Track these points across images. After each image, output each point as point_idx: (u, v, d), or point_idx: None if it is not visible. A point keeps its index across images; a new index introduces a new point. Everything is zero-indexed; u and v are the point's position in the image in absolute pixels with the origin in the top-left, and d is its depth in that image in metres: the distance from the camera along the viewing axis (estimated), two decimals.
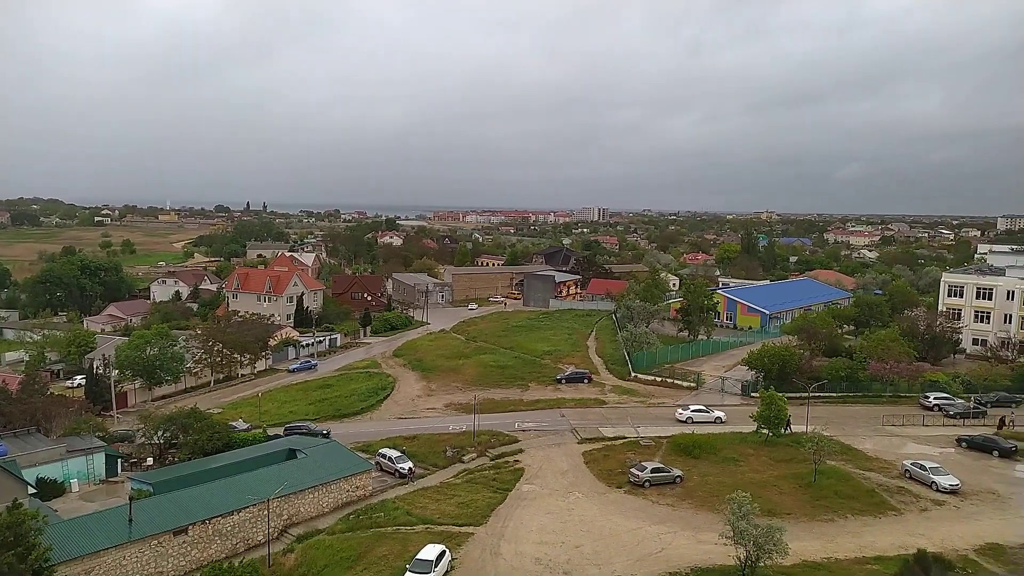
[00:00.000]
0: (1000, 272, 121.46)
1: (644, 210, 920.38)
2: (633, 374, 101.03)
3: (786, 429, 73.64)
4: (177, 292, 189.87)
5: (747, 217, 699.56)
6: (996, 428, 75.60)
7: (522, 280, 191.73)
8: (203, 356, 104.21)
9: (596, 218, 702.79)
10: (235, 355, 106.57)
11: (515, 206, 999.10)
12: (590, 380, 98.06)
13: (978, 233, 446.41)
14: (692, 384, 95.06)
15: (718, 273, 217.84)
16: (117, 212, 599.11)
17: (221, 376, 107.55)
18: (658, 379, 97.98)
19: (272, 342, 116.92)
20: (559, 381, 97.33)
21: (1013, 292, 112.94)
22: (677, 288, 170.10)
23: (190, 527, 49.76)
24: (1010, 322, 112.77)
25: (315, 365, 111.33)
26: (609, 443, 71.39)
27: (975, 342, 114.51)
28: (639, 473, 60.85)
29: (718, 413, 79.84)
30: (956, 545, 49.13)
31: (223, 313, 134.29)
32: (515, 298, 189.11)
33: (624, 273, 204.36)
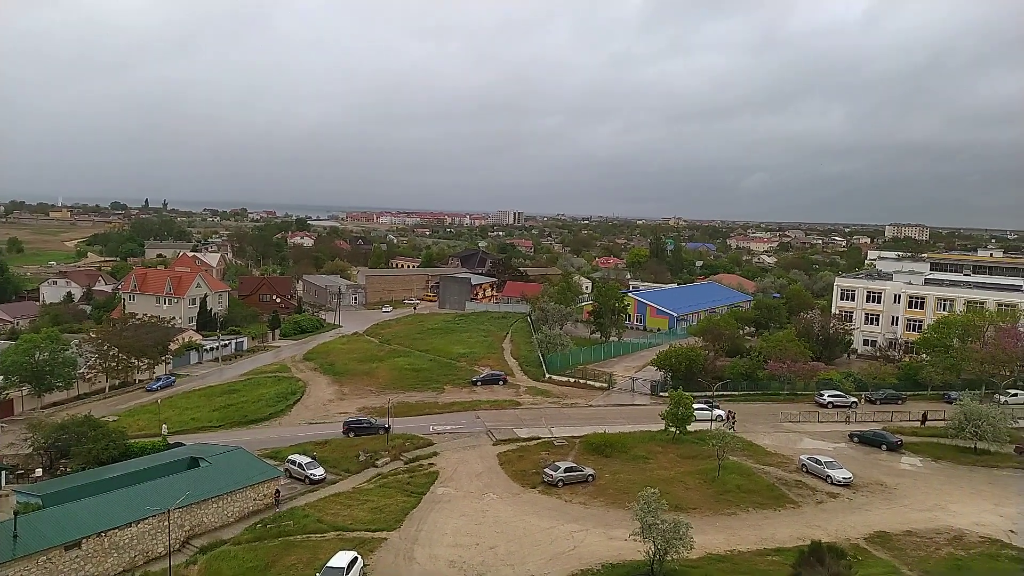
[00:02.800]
0: (888, 277, 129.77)
1: (558, 214, 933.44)
2: (547, 375, 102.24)
3: (731, 426, 76.81)
4: (69, 293, 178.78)
5: (656, 223, 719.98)
6: (920, 422, 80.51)
7: (438, 282, 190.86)
8: (97, 361, 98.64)
9: (511, 221, 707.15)
10: (132, 360, 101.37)
11: (431, 208, 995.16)
12: (505, 382, 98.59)
13: (868, 240, 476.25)
14: (604, 384, 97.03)
15: (628, 276, 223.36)
16: (3, 208, 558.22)
17: (117, 382, 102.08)
18: (571, 380, 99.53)
19: (173, 346, 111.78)
20: (475, 383, 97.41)
21: (899, 296, 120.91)
22: (590, 291, 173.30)
23: (83, 541, 46.89)
24: (897, 324, 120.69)
25: (174, 381, 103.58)
26: (524, 444, 71.97)
27: (865, 343, 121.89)
28: (552, 473, 61.62)
29: (719, 411, 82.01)
30: (849, 535, 52.14)
31: (119, 316, 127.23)
32: (430, 300, 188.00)
33: (539, 276, 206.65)
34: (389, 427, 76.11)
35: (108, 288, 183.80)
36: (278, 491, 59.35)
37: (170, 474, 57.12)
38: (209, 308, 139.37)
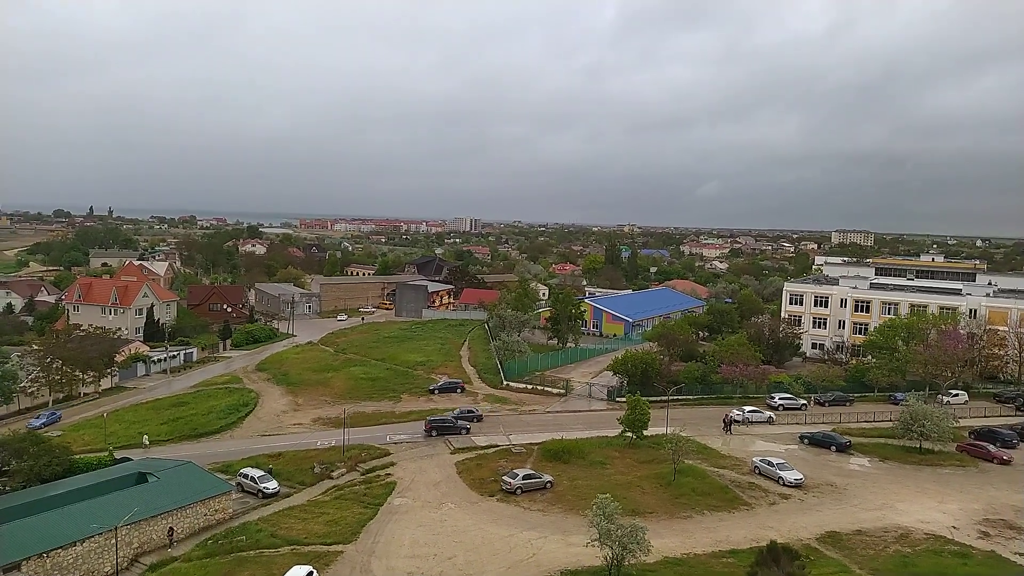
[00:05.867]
0: (834, 282, 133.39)
1: (515, 221, 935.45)
2: (505, 382, 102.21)
3: (727, 430, 78.93)
4: (9, 304, 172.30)
5: (611, 229, 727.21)
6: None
7: (394, 290, 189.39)
8: (40, 374, 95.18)
9: (468, 228, 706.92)
10: (77, 373, 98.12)
11: (387, 215, 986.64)
12: (463, 390, 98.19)
13: (815, 246, 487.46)
14: (561, 391, 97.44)
15: (585, 283, 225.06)
16: None
17: (61, 396, 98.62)
18: (529, 387, 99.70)
19: (119, 358, 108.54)
20: (432, 392, 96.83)
21: (845, 300, 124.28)
22: (547, 297, 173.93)
23: (23, 563, 45.01)
24: (843, 328, 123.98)
25: (59, 416, 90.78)
26: (482, 452, 71.78)
27: (814, 346, 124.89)
28: (511, 480, 61.58)
29: (769, 414, 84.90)
30: (801, 535, 53.29)
31: (63, 327, 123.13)
32: (387, 308, 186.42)
33: (496, 283, 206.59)
34: (469, 428, 78.50)
35: (51, 298, 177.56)
36: (171, 529, 53.49)
37: (117, 490, 55.38)
38: (157, 318, 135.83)
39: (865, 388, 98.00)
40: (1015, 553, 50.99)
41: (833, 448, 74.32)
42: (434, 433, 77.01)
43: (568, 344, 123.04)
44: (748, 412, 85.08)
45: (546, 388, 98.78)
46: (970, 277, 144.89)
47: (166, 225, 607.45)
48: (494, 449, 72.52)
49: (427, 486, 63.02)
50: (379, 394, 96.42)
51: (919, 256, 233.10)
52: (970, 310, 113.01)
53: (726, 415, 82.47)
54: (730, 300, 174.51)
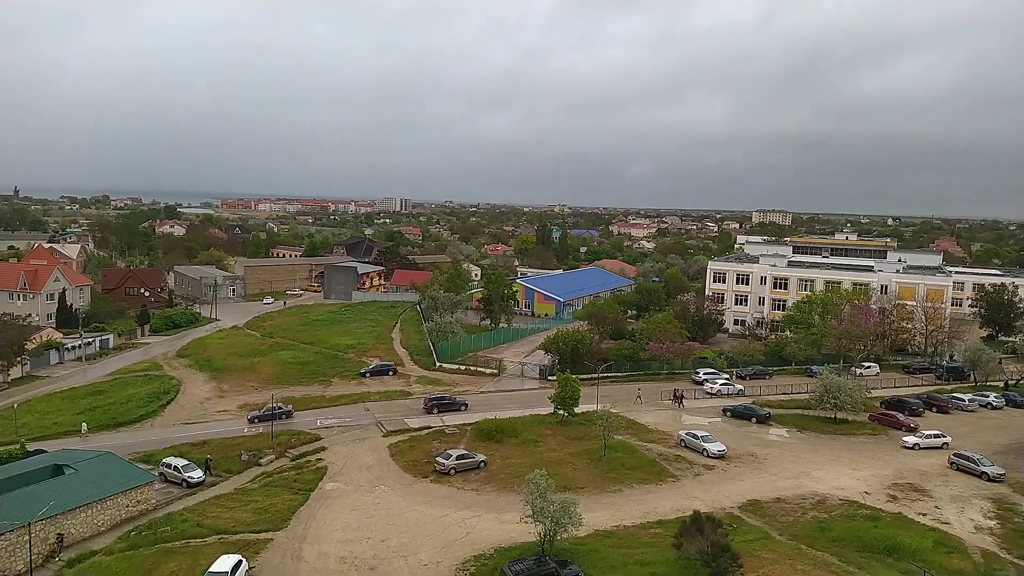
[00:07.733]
0: (755, 260, 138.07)
1: (446, 201, 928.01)
2: (438, 364, 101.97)
3: (678, 404, 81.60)
4: None
5: (542, 210, 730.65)
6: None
7: (322, 272, 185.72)
8: None
9: (398, 208, 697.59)
10: None
11: (313, 194, 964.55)
12: (395, 372, 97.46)
13: (737, 226, 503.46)
14: (494, 371, 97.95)
15: (516, 263, 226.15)
16: None
17: None
18: (462, 368, 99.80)
19: (30, 346, 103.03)
20: (363, 375, 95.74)
21: (765, 277, 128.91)
22: (479, 278, 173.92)
23: None
24: (763, 304, 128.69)
25: None
26: (415, 434, 71.60)
27: (736, 322, 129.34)
28: (444, 461, 61.71)
29: (739, 386, 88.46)
30: (724, 504, 55.41)
31: None
32: (315, 291, 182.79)
33: (428, 264, 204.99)
34: (467, 404, 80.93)
35: None
36: (60, 536, 49.29)
37: (30, 484, 52.75)
38: (70, 303, 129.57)
39: (783, 362, 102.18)
40: (919, 514, 54.43)
41: (754, 420, 77.37)
42: (435, 410, 78.73)
43: (501, 324, 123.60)
44: (721, 384, 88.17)
45: (479, 369, 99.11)
46: (881, 254, 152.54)
47: (78, 205, 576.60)
48: (427, 431, 72.44)
49: (359, 470, 62.50)
50: (308, 378, 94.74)
51: (834, 234, 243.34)
52: (881, 286, 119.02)
53: (675, 390, 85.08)
54: (657, 279, 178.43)
